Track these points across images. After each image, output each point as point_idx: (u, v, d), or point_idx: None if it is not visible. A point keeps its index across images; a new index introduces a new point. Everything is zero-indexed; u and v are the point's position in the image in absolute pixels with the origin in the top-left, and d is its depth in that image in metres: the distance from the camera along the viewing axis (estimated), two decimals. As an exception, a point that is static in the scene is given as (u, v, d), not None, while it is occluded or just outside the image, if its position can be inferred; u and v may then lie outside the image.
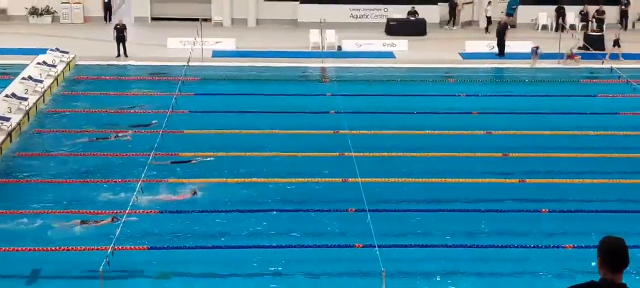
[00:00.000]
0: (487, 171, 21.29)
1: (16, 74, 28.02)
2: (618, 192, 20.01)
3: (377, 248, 15.58)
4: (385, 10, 40.30)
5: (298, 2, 40.54)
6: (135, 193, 18.22)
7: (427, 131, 24.02)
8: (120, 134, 23.41)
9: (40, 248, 16.44)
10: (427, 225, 17.87)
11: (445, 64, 33.58)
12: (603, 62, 33.19)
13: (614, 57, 33.87)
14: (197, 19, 35.26)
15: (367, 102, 27.01)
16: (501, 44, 34.92)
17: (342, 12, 40.16)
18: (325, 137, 23.41)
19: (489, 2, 39.73)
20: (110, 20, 39.51)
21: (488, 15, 39.17)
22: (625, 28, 39.87)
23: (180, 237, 17.25)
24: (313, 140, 23.16)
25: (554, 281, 15.67)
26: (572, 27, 39.26)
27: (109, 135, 23.41)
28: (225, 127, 24.05)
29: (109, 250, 15.30)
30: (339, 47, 35.76)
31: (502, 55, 34.80)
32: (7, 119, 23.30)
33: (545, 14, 40.62)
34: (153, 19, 40.86)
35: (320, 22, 35.88)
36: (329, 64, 33.16)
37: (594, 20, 39.45)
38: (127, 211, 17.40)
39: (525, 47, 34.81)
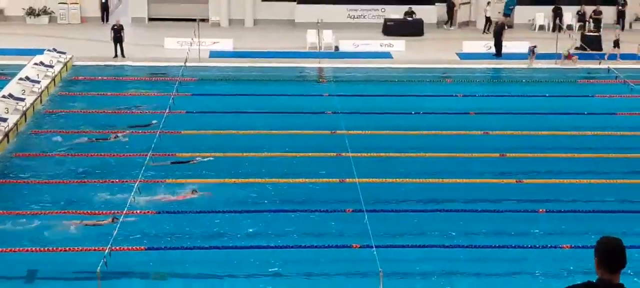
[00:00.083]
0: (485, 171, 21.30)
1: (13, 75, 27.98)
2: (615, 192, 20.02)
3: (374, 248, 15.59)
4: (383, 10, 40.30)
5: (295, 3, 40.52)
6: (132, 194, 18.21)
7: (424, 131, 24.03)
8: (119, 134, 23.38)
9: (38, 249, 16.42)
10: (425, 226, 17.88)
11: (442, 64, 33.59)
12: (600, 63, 33.21)
13: (614, 57, 33.89)
14: (194, 20, 35.25)
15: (364, 103, 27.01)
16: (498, 44, 34.93)
17: (339, 13, 40.15)
18: (323, 137, 23.40)
19: (488, 3, 39.74)
20: (107, 20, 39.47)
21: (487, 15, 39.15)
22: (622, 28, 39.85)
23: (177, 238, 17.24)
24: (310, 140, 23.16)
25: (552, 281, 15.67)
26: (569, 27, 39.26)
27: (106, 136, 23.38)
28: (223, 127, 24.04)
29: (106, 251, 15.29)
30: (336, 48, 35.74)
31: (499, 56, 34.81)
32: (4, 120, 23.27)
33: (542, 15, 40.63)
34: (150, 19, 40.82)
35: (318, 22, 35.86)
36: (326, 64, 33.17)
37: (591, 20, 39.50)
38: (124, 212, 17.39)
39: (522, 47, 34.82)
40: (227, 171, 20.88)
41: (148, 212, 18.24)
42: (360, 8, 40.75)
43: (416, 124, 24.70)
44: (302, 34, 36.24)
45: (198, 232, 17.54)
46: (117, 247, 15.95)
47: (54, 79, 28.62)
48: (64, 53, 31.28)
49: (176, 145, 22.55)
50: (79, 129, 23.91)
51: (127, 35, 33.96)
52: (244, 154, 22.06)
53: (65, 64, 30.59)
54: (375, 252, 15.40)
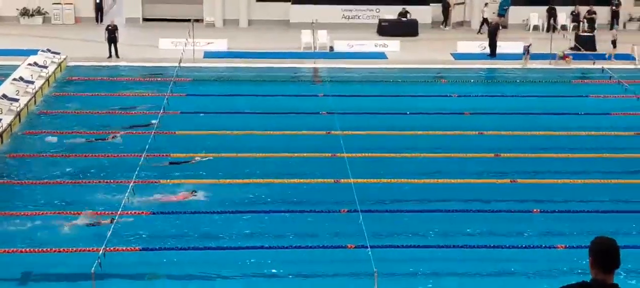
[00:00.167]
0: (479, 171, 21.32)
1: (7, 75, 27.92)
2: (610, 192, 20.04)
3: (369, 248, 15.58)
4: (377, 10, 40.33)
5: (290, 3, 40.53)
6: (126, 195, 18.17)
7: (419, 132, 24.04)
8: (118, 135, 23.36)
9: (32, 249, 16.38)
10: (419, 226, 17.87)
11: (437, 64, 33.61)
12: (594, 63, 33.25)
13: (609, 57, 33.96)
14: (188, 20, 35.23)
15: (359, 103, 27.01)
16: (493, 45, 34.97)
17: (334, 13, 40.17)
18: (318, 137, 23.39)
19: (486, 4, 39.77)
20: (101, 21, 39.45)
21: (485, 16, 39.15)
22: (614, 28, 39.92)
23: (172, 238, 17.21)
24: (305, 141, 23.14)
25: (546, 281, 15.68)
26: (564, 27, 39.33)
27: (101, 137, 23.35)
28: (217, 128, 24.02)
29: (101, 252, 15.27)
30: (331, 48, 35.75)
31: (493, 56, 34.85)
32: (-1, 120, 23.25)
33: (536, 15, 40.70)
34: (145, 19, 40.81)
35: (312, 22, 35.87)
36: (321, 64, 33.17)
37: (585, 20, 39.56)
38: (119, 212, 17.36)
39: (516, 47, 34.87)
40: (222, 172, 20.86)
41: (143, 212, 18.21)
42: (355, 8, 40.77)
43: (411, 124, 24.72)
44: (297, 35, 36.25)
45: (193, 232, 17.51)
46: (112, 248, 15.91)
47: (48, 80, 28.58)
48: (58, 53, 31.24)
49: (171, 145, 22.52)
50: (73, 130, 23.86)
51: (121, 35, 33.94)
52: (239, 155, 22.05)
53: (59, 65, 30.54)
54: (370, 252, 15.39)
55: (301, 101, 27.22)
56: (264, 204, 19.03)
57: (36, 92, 26.85)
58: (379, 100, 27.49)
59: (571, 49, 35.12)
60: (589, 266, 5.93)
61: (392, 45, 35.85)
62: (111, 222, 17.14)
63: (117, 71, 32.02)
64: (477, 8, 40.78)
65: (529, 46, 33.69)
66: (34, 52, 30.91)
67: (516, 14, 40.98)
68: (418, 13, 39.95)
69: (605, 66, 31.88)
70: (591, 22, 39.19)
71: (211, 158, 21.65)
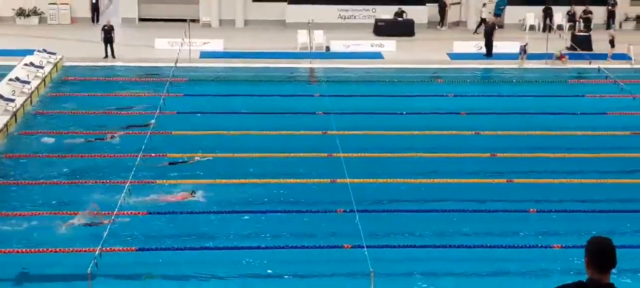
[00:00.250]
0: (475, 171, 21.34)
1: (3, 76, 27.90)
2: (606, 191, 20.08)
3: (365, 248, 15.58)
4: (373, 10, 40.34)
5: (286, 3, 40.52)
6: (122, 195, 18.16)
7: (415, 131, 24.05)
8: (115, 135, 23.36)
9: (28, 250, 16.36)
10: (416, 226, 17.88)
11: (433, 64, 33.61)
12: (590, 62, 33.28)
13: (612, 56, 34.00)
14: (185, 20, 35.22)
15: (355, 103, 27.01)
16: (489, 45, 34.99)
17: (330, 13, 40.17)
18: (314, 137, 23.39)
19: (484, 4, 39.79)
20: (97, 21, 39.41)
21: (483, 16, 39.15)
22: (609, 28, 39.98)
23: (168, 238, 17.20)
24: (301, 141, 23.14)
25: (542, 281, 15.68)
26: (560, 27, 39.38)
27: (98, 137, 23.34)
28: (214, 128, 24.01)
29: (97, 252, 15.25)
30: (327, 48, 35.75)
31: (489, 56, 34.87)
32: (-6, 121, 23.23)
33: (532, 15, 40.74)
34: (141, 19, 40.78)
35: (309, 22, 35.87)
36: (317, 64, 33.16)
37: (581, 20, 39.62)
38: (115, 212, 17.35)
39: (512, 47, 34.89)
40: (218, 172, 20.86)
41: (139, 212, 18.20)
42: (351, 8, 40.78)
43: (407, 124, 24.73)
44: (293, 35, 36.24)
45: (189, 232, 17.50)
46: (108, 248, 15.90)
47: (44, 80, 28.56)
48: (54, 54, 31.21)
49: (167, 145, 22.52)
50: (69, 130, 23.83)
51: (117, 35, 33.90)
52: (235, 155, 22.04)
53: (56, 65, 30.52)
54: (366, 252, 15.39)
55: (297, 101, 27.22)
56: (260, 204, 19.03)
57: (32, 92, 26.83)
58: (375, 100, 27.50)
59: (567, 48, 35.16)
60: (585, 266, 5.93)
61: (388, 45, 35.85)
62: (108, 222, 17.14)
63: (113, 71, 32.00)
64: (472, 8, 40.79)
65: (525, 46, 33.72)
66: (30, 52, 30.89)
67: (512, 13, 41.00)
68: (414, 13, 39.97)
69: (601, 66, 31.91)
70: (587, 21, 39.26)
71: (211, 158, 21.64)
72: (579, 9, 40.14)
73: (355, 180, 19.70)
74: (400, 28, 38.73)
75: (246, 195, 19.57)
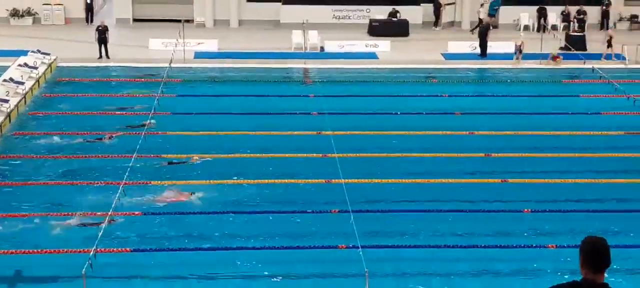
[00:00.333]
0: (470, 171, 21.35)
1: (-3, 76, 27.86)
2: (600, 191, 20.10)
3: (360, 249, 15.58)
4: (368, 11, 40.35)
5: (280, 3, 40.51)
6: (117, 196, 18.14)
7: (409, 132, 24.06)
8: (114, 136, 23.33)
9: (22, 251, 16.33)
10: (410, 226, 17.88)
11: (427, 64, 33.64)
12: (584, 62, 33.33)
13: (609, 57, 34.06)
14: (179, 20, 35.19)
15: (349, 103, 27.01)
16: (483, 45, 35.02)
17: (324, 13, 40.18)
18: (308, 138, 23.39)
19: (482, 4, 39.83)
20: (91, 21, 39.37)
21: (480, 16, 39.15)
22: (607, 28, 40.05)
23: (163, 239, 17.18)
24: (296, 141, 23.14)
25: (537, 281, 15.70)
26: (554, 27, 39.44)
27: (96, 137, 23.32)
28: (208, 128, 23.99)
29: (92, 253, 15.23)
30: (322, 48, 35.75)
31: (484, 56, 34.90)
32: (-12, 121, 23.18)
33: (527, 15, 40.80)
34: (135, 20, 40.74)
35: (303, 23, 35.86)
36: (312, 65, 33.16)
37: (575, 20, 39.70)
38: (110, 213, 17.32)
39: (507, 47, 34.94)
40: (212, 172, 20.84)
41: (134, 213, 18.18)
42: (345, 8, 40.79)
43: (402, 124, 24.73)
44: (288, 35, 36.24)
45: (183, 233, 17.49)
46: (103, 249, 15.88)
47: (38, 80, 28.52)
48: (48, 54, 31.16)
49: (161, 146, 22.50)
50: (62, 130, 23.79)
51: (111, 36, 33.87)
52: (229, 155, 22.03)
53: (50, 65, 30.47)
54: (361, 253, 15.39)
55: (292, 101, 27.21)
56: (254, 205, 19.02)
57: (26, 93, 26.79)
58: (369, 101, 27.50)
59: (561, 48, 35.20)
60: (580, 265, 5.94)
61: (383, 46, 35.87)
62: (103, 223, 17.13)
63: (107, 72, 31.96)
64: (467, 8, 40.81)
65: (521, 45, 33.76)
66: (24, 52, 30.84)
67: (506, 14, 41.06)
68: (409, 13, 40.00)
69: (596, 66, 31.95)
70: (581, 22, 39.34)
71: (209, 159, 21.63)
72: (573, 9, 40.23)
73: (350, 181, 19.70)
74: (394, 28, 38.75)
75: (240, 195, 19.56)
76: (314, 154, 22.04)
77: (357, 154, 22.25)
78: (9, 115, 24.53)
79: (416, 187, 20.23)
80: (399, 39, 37.56)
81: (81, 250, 15.92)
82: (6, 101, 25.04)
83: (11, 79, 27.26)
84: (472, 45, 35.56)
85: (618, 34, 35.57)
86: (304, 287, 15.83)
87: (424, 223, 17.99)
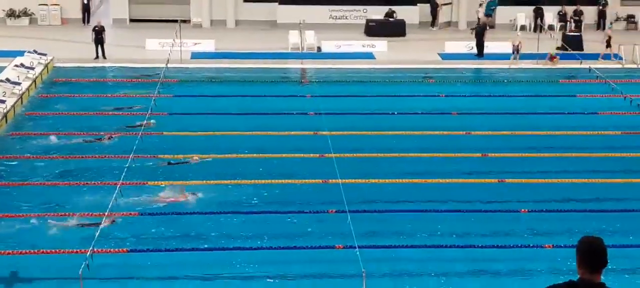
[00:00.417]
0: (467, 171, 21.35)
1: (-6, 77, 27.84)
2: (597, 191, 20.11)
3: (357, 249, 15.57)
4: (365, 11, 40.35)
5: (277, 3, 40.50)
6: (114, 196, 18.11)
7: (406, 132, 24.06)
8: (113, 136, 23.33)
9: (19, 251, 16.30)
10: (407, 226, 17.88)
11: (424, 64, 33.64)
12: (581, 62, 33.34)
13: (607, 56, 34.08)
14: (176, 21, 35.17)
15: (346, 103, 27.01)
16: (480, 45, 35.04)
17: (321, 13, 40.17)
18: (305, 138, 23.39)
19: (480, 4, 39.84)
20: (88, 22, 39.33)
21: (480, 16, 39.16)
22: (603, 28, 40.10)
23: (160, 240, 17.17)
24: (293, 141, 23.14)
25: (534, 281, 15.70)
26: (551, 27, 39.46)
27: (90, 138, 23.29)
28: (204, 128, 23.98)
29: (88, 253, 15.21)
30: (319, 48, 35.74)
31: (481, 56, 34.91)
32: (-15, 122, 23.15)
33: (523, 15, 40.82)
34: (131, 20, 40.72)
35: (300, 23, 35.86)
36: (309, 65, 33.17)
37: (572, 20, 39.73)
38: (106, 213, 17.30)
39: (503, 47, 34.95)
40: (209, 172, 20.83)
41: (130, 213, 18.16)
42: (342, 9, 40.79)
43: (399, 124, 24.73)
44: (284, 35, 36.24)
45: (180, 233, 17.47)
46: (100, 249, 15.86)
47: (34, 81, 28.49)
48: (44, 55, 31.14)
49: (158, 146, 22.48)
50: (58, 131, 23.76)
51: (108, 36, 33.84)
52: (226, 156, 22.02)
53: (46, 66, 30.45)
54: (358, 253, 15.38)
55: (289, 102, 27.21)
56: (251, 205, 19.02)
57: (23, 93, 26.77)
58: (366, 101, 27.50)
59: (558, 48, 35.21)
60: (576, 265, 5.94)
61: (380, 46, 35.86)
62: (114, 222, 17.20)
63: (104, 72, 31.95)
64: (464, 8, 40.82)
65: (518, 45, 33.77)
66: (21, 53, 30.80)
67: (503, 13, 41.08)
68: (405, 13, 40.00)
69: (592, 66, 31.97)
70: (578, 22, 39.37)
71: (209, 159, 21.63)
72: (569, 9, 40.26)
73: (347, 181, 19.69)
74: (391, 28, 38.75)
75: (237, 196, 19.54)
76: (311, 154, 22.04)
77: (354, 154, 22.25)
78: (5, 115, 24.51)
79: (413, 187, 20.23)
80: (396, 39, 37.56)
81: (78, 250, 15.89)
82: (2, 102, 25.02)
83: (7, 80, 27.25)
84: (468, 46, 35.57)
85: (614, 34, 35.57)
86: (301, 287, 15.82)
87: (421, 223, 17.99)
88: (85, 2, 39.97)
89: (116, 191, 18.34)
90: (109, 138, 23.35)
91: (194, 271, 15.97)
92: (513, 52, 33.89)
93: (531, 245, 16.95)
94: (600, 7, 40.99)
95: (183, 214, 18.30)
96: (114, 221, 17.49)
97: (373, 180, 20.41)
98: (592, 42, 35.95)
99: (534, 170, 21.51)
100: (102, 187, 19.49)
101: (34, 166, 21.26)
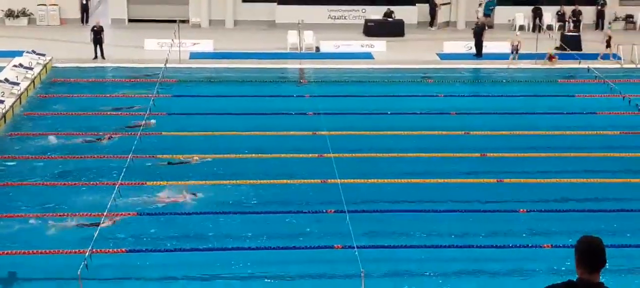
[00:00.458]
0: (466, 171, 21.36)
1: (-8, 77, 27.82)
2: (596, 191, 20.12)
3: (356, 249, 15.58)
4: (363, 11, 40.36)
5: (276, 3, 40.50)
6: (113, 196, 18.11)
7: (405, 132, 24.06)
8: (114, 136, 23.33)
9: (18, 251, 16.30)
10: (406, 226, 17.88)
11: (423, 64, 33.65)
12: (580, 62, 33.35)
13: (606, 57, 34.09)
14: (174, 21, 35.15)
15: (345, 103, 27.01)
16: (479, 45, 35.04)
17: (320, 13, 40.17)
18: (304, 138, 23.39)
19: (480, 4, 39.82)
20: (87, 22, 39.32)
21: (479, 16, 39.17)
22: (602, 28, 40.13)
23: (159, 240, 17.17)
24: (291, 141, 23.14)
25: (532, 280, 15.71)
26: (549, 27, 39.47)
27: (89, 138, 23.29)
28: (203, 128, 23.97)
29: (87, 254, 15.20)
30: (317, 48, 35.75)
31: (479, 56, 34.92)
32: (-16, 122, 23.15)
33: (522, 15, 40.83)
34: (130, 20, 40.70)
35: (298, 23, 35.85)
36: (307, 65, 33.16)
37: (570, 20, 39.74)
38: (105, 214, 17.30)
39: (502, 47, 34.95)
40: (207, 173, 20.84)
41: (129, 213, 18.16)
42: (340, 9, 40.78)
43: (397, 124, 24.73)
44: (283, 35, 36.24)
45: (179, 234, 17.47)
46: (98, 250, 15.85)
47: (33, 81, 28.48)
48: (43, 55, 31.12)
49: (157, 146, 22.48)
50: (57, 131, 23.75)
51: (107, 36, 33.82)
52: (225, 156, 22.02)
53: (45, 66, 30.43)
54: (357, 253, 15.39)
55: (287, 102, 27.22)
56: (250, 205, 19.02)
57: (21, 93, 26.76)
58: (365, 101, 27.50)
59: (557, 48, 35.23)
60: (575, 265, 5.94)
61: (378, 46, 35.86)
62: (115, 222, 17.19)
63: (102, 72, 31.94)
64: (463, 8, 40.82)
65: (517, 45, 33.78)
66: (19, 53, 30.78)
67: (502, 13, 41.09)
68: (404, 13, 40.00)
69: (591, 66, 31.98)
70: (576, 22, 39.38)
71: (210, 159, 21.63)
72: (568, 9, 40.27)
73: (346, 181, 19.70)
74: (390, 28, 38.75)
75: (236, 196, 19.54)
76: (310, 154, 22.04)
77: (353, 154, 22.25)
78: (4, 116, 24.50)
79: (412, 187, 20.24)
80: (395, 39, 37.55)
81: (77, 251, 15.89)
82: (1, 102, 25.02)
83: (6, 80, 27.22)
84: (467, 46, 35.57)
85: (614, 33, 35.56)
86: (300, 287, 15.82)
87: (420, 223, 18.00)
88: (84, 2, 39.95)
89: (115, 191, 18.34)
90: (107, 138, 23.38)
91: (192, 271, 15.97)
92: (512, 52, 33.89)
93: (530, 245, 16.96)
94: (599, 7, 41.02)
95: (182, 214, 18.30)
96: (115, 221, 17.50)
97: (372, 180, 20.42)
98: (591, 42, 35.95)
99: (532, 170, 21.51)
100: (100, 187, 19.49)
101: (32, 166, 21.26)
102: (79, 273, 14.43)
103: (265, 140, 23.23)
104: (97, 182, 19.90)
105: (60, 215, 18.05)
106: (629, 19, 41.46)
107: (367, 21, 39.28)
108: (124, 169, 19.87)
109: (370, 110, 26.22)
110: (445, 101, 27.92)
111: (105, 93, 28.25)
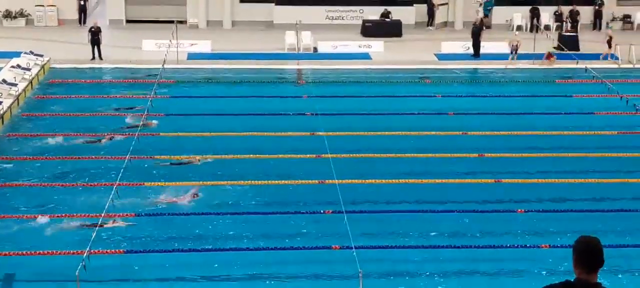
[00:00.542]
0: (464, 171, 21.36)
1: (-10, 78, 27.79)
2: (594, 191, 20.13)
3: (354, 249, 15.57)
4: (361, 11, 40.36)
5: (273, 4, 40.50)
6: (110, 197, 18.09)
7: (403, 132, 24.06)
8: (114, 136, 23.33)
9: (16, 252, 16.29)
10: (404, 226, 17.89)
11: (421, 65, 33.65)
12: (577, 62, 33.37)
13: (606, 57, 34.12)
14: (172, 21, 35.12)
15: (343, 104, 27.00)
16: (476, 45, 35.04)
17: (317, 14, 40.15)
18: (302, 138, 23.39)
19: (480, 4, 39.82)
20: (84, 23, 39.28)
21: (479, 16, 39.13)
22: (599, 28, 40.15)
23: (157, 241, 17.17)
24: (289, 142, 23.14)
25: (530, 281, 15.72)
26: (547, 27, 39.49)
27: (89, 138, 23.30)
28: (201, 129, 23.97)
29: (85, 254, 15.19)
30: (315, 49, 35.74)
31: (477, 56, 34.92)
32: (-19, 123, 23.13)
33: (520, 15, 40.83)
34: (128, 21, 40.66)
35: (296, 23, 35.85)
36: (305, 65, 33.16)
37: (568, 20, 39.75)
38: (103, 215, 17.29)
39: (500, 47, 34.95)
40: (206, 173, 20.83)
41: (127, 214, 18.15)
42: (338, 9, 40.76)
43: (395, 124, 24.72)
44: (281, 36, 36.22)
45: (176, 234, 17.47)
46: (96, 251, 15.84)
47: (31, 82, 28.46)
48: (41, 56, 31.10)
49: (155, 147, 22.46)
50: (55, 132, 23.74)
51: (104, 37, 33.81)
52: (222, 156, 22.02)
53: (43, 67, 30.42)
54: (355, 253, 15.39)
55: (285, 102, 27.21)
56: (248, 205, 19.01)
57: (19, 94, 26.74)
58: (363, 101, 27.49)
59: (554, 48, 35.23)
60: (573, 265, 5.94)
61: (376, 46, 35.86)
62: (115, 223, 17.19)
63: (100, 73, 31.94)
64: (460, 8, 40.81)
65: (517, 45, 33.78)
66: (17, 54, 30.75)
67: (500, 14, 41.11)
68: (402, 13, 40.00)
69: (589, 66, 31.99)
70: (574, 22, 39.39)
71: (211, 160, 21.64)
72: (565, 9, 40.29)
73: (344, 181, 19.70)
74: (388, 29, 38.75)
75: (234, 196, 19.55)
76: (308, 155, 22.04)
77: (351, 155, 22.25)
78: (2, 117, 24.48)
79: (410, 187, 20.24)
80: (392, 39, 37.55)
81: (75, 251, 15.88)
82: (-1, 103, 25.01)
83: (4, 81, 27.20)
84: (465, 46, 35.57)
85: (613, 34, 35.57)
86: (297, 287, 15.82)
87: (418, 223, 18.00)
88: (82, 3, 39.92)
89: (113, 192, 18.33)
90: (106, 139, 23.36)
91: (190, 272, 15.97)
92: (511, 52, 33.89)
93: (528, 245, 16.97)
94: (596, 7, 41.02)
95: (180, 215, 18.30)
96: (115, 222, 17.50)
97: (370, 181, 20.42)
98: (588, 42, 35.95)
99: (530, 170, 21.52)
100: (98, 188, 19.49)
101: (30, 167, 21.24)
102: (77, 274, 14.42)
103: (263, 141, 23.23)
104: (95, 183, 19.89)
105: (58, 216, 18.03)
106: (626, 19, 41.47)
107: (364, 21, 39.28)
108: (122, 170, 19.86)
109: (368, 110, 26.22)
110: (442, 101, 27.92)
111: (103, 94, 28.24)
